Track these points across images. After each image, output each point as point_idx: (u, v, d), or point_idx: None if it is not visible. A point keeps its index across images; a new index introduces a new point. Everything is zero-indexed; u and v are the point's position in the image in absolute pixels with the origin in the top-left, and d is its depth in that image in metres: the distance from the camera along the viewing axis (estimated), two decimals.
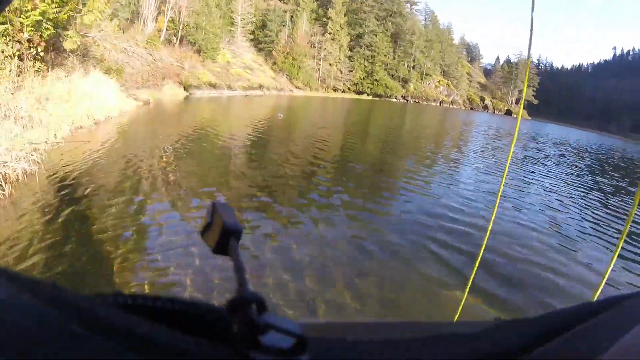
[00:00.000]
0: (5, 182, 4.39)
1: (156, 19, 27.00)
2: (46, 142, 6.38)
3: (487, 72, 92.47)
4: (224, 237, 0.27)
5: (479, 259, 1.29)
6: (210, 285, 2.99)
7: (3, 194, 4.24)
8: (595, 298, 1.22)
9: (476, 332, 0.29)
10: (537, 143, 20.98)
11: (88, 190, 4.79)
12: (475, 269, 1.28)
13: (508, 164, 1.30)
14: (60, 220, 3.85)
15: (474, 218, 5.47)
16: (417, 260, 3.88)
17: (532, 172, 10.62)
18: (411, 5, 66.47)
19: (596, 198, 8.47)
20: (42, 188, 4.67)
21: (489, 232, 1.33)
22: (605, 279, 1.09)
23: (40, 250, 3.21)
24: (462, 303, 1.34)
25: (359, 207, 5.43)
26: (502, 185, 1.37)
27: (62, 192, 4.60)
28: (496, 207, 1.28)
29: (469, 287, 1.28)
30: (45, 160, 5.56)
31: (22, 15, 8.07)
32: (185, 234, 3.84)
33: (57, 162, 5.79)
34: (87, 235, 3.62)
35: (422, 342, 0.27)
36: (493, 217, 1.34)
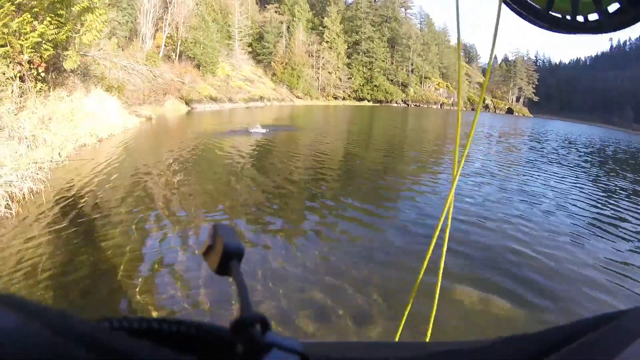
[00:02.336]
0: (13, 202, 4.34)
1: (154, 35, 27.27)
2: (51, 160, 6.34)
3: (486, 72, 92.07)
4: (225, 259, 0.27)
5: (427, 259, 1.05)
6: (217, 300, 2.89)
7: (10, 213, 4.18)
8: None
9: (477, 348, 0.29)
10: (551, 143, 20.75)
11: (93, 207, 4.71)
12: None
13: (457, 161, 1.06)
14: (67, 238, 3.76)
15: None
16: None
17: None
18: (406, 10, 67.00)
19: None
20: (48, 206, 4.59)
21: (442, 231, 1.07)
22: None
23: (48, 269, 3.11)
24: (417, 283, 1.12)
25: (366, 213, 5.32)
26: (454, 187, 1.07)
27: (68, 210, 4.52)
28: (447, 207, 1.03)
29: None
30: (50, 178, 5.50)
31: (22, 38, 8.09)
32: (192, 249, 3.74)
33: (62, 180, 5.73)
34: (95, 252, 3.52)
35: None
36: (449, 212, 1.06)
